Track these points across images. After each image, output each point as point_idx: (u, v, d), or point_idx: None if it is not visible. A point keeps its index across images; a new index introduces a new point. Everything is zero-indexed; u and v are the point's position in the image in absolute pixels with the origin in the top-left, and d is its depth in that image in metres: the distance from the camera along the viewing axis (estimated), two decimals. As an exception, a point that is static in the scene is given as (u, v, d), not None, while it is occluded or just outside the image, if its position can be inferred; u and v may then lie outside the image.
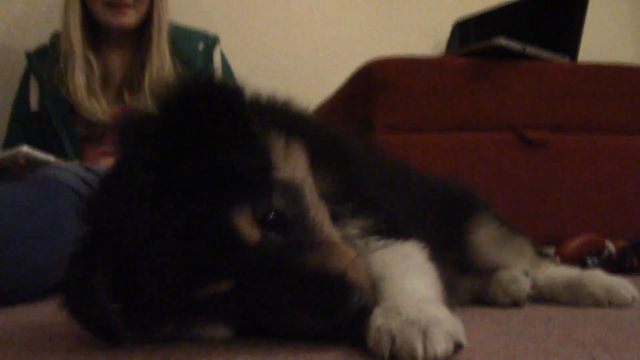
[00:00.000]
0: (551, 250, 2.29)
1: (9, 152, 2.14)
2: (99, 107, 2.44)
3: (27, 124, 2.55)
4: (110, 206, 0.83)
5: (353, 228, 0.91)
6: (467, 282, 1.39)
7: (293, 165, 0.86)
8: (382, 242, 0.91)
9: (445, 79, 2.67)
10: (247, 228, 0.77)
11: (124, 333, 0.83)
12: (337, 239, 0.85)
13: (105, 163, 2.27)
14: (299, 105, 1.04)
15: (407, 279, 0.84)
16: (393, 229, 0.94)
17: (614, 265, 2.12)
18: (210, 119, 0.77)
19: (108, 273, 0.80)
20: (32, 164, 2.09)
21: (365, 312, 0.76)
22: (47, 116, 2.49)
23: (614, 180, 2.78)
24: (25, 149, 2.09)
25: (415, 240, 0.94)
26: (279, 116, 0.92)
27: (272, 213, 0.79)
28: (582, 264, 2.39)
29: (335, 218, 0.91)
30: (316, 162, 0.91)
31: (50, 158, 2.13)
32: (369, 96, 2.59)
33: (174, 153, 0.76)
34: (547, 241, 2.49)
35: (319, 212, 0.86)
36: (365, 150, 1.20)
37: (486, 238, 1.34)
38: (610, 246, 2.35)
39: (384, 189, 1.05)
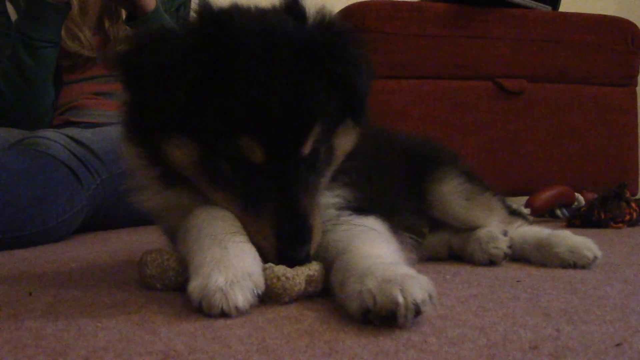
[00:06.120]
0: (522, 201, 2.35)
1: None
2: (82, 36, 2.39)
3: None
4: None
5: (337, 197, 1.01)
6: (441, 237, 1.43)
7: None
8: (350, 216, 1.00)
9: (426, 25, 2.65)
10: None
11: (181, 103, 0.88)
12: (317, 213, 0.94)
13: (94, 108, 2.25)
14: None
15: (372, 246, 0.92)
16: (363, 207, 1.04)
17: (582, 218, 2.18)
18: None
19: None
20: None
21: None
22: None
23: (587, 132, 2.82)
24: None
25: (377, 216, 1.03)
26: None
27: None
28: (552, 215, 2.46)
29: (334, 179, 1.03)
30: None
31: None
32: (349, 40, 2.55)
33: None
34: (520, 192, 2.55)
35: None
36: None
37: (449, 192, 1.35)
38: (580, 199, 2.41)
39: (365, 172, 1.13)
